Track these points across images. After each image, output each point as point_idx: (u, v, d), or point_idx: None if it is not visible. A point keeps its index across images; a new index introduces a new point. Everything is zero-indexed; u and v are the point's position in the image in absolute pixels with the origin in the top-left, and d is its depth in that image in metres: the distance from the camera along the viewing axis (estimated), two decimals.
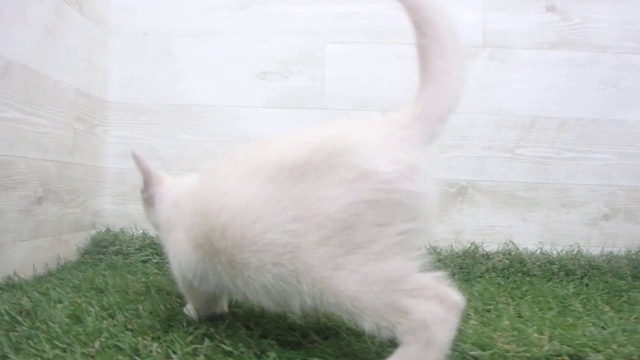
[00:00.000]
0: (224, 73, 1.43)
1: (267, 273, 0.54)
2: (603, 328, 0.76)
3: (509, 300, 0.97)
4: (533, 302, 0.95)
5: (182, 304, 0.83)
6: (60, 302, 0.80)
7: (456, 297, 0.51)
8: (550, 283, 1.15)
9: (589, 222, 1.39)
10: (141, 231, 1.36)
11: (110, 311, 0.76)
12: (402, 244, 0.51)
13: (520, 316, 0.85)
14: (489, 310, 0.88)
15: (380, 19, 1.42)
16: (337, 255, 0.50)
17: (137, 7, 1.43)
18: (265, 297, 0.57)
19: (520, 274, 1.20)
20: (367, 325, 0.50)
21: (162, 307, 0.79)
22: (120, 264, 1.18)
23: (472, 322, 0.78)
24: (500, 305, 0.92)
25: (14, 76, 0.98)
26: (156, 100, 1.43)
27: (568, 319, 0.83)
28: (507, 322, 0.78)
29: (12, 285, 0.91)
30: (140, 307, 0.78)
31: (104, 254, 1.24)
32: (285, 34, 1.43)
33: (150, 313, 0.77)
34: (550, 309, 0.91)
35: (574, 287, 1.10)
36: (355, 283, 0.49)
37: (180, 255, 0.66)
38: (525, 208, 1.40)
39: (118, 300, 0.84)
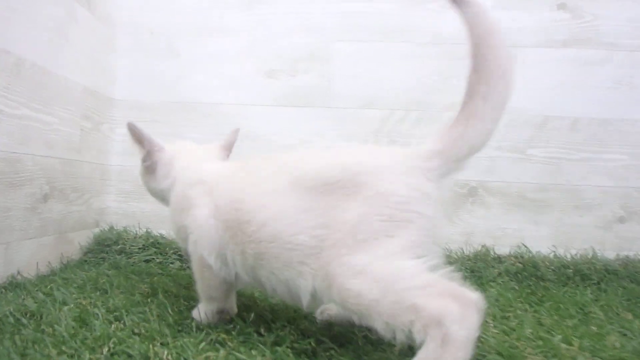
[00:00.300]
0: (231, 71, 1.41)
1: (292, 269, 0.62)
2: (629, 337, 0.74)
3: (527, 306, 0.94)
4: (552, 308, 0.93)
5: (190, 307, 0.81)
6: (65, 303, 0.78)
7: (472, 294, 0.53)
8: (566, 288, 1.12)
9: (603, 225, 1.35)
10: (144, 230, 1.34)
11: (116, 314, 0.74)
12: (408, 251, 0.55)
13: (541, 324, 0.83)
14: (507, 318, 0.85)
15: (388, 17, 1.40)
16: (346, 255, 0.56)
17: (143, 5, 1.42)
18: (282, 289, 0.65)
19: (534, 278, 1.18)
20: (378, 324, 0.52)
21: (170, 310, 0.77)
22: (124, 263, 1.17)
23: (492, 330, 0.76)
24: (519, 312, 0.89)
25: (24, 74, 0.96)
26: (162, 98, 1.41)
27: (592, 327, 0.81)
28: (529, 331, 0.75)
29: (15, 285, 0.89)
30: (148, 310, 0.76)
31: (107, 252, 1.22)
32: (292, 32, 1.41)
33: (158, 316, 0.75)
34: (571, 316, 0.88)
35: (591, 293, 1.08)
36: (361, 282, 0.54)
37: (201, 230, 0.72)
38: (536, 210, 1.37)
39: (124, 302, 0.82)
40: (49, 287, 0.88)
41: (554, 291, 1.09)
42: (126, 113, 1.41)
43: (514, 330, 0.77)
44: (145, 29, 1.42)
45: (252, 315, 0.75)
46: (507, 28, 1.38)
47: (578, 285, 1.15)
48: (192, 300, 0.86)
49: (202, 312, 0.75)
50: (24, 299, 0.79)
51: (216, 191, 0.74)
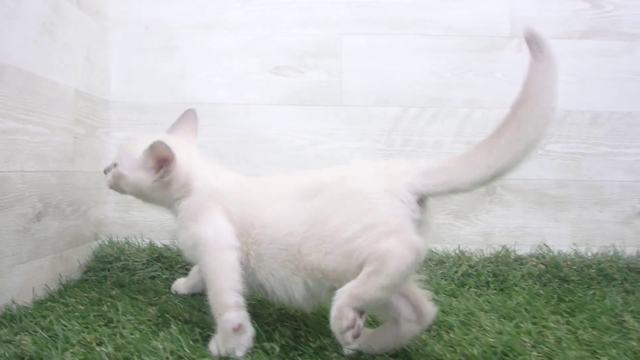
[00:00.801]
0: (234, 68, 1.32)
1: (286, 268, 0.70)
2: None
3: (558, 317, 0.90)
4: (586, 320, 0.89)
5: (206, 336, 0.74)
6: (67, 341, 0.71)
7: (415, 239, 0.61)
8: (592, 291, 1.09)
9: (622, 220, 1.32)
10: (147, 241, 1.26)
11: (126, 353, 0.67)
12: (372, 225, 0.63)
13: (579, 340, 0.78)
14: (542, 333, 0.81)
15: (401, 8, 1.31)
16: (317, 244, 0.66)
17: None
18: (279, 289, 0.71)
19: (557, 280, 1.14)
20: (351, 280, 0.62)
21: (185, 347, 0.70)
22: (127, 281, 1.09)
23: (534, 353, 0.71)
24: (552, 325, 0.85)
25: (8, 82, 0.86)
26: (160, 98, 1.31)
27: (632, 342, 0.77)
28: (573, 353, 0.70)
29: (10, 318, 0.81)
30: (161, 348, 0.69)
31: (108, 270, 1.14)
32: (299, 25, 1.31)
33: (172, 353, 0.68)
34: (607, 328, 0.84)
35: (617, 294, 1.05)
36: (332, 259, 0.65)
37: (214, 228, 0.76)
38: (556, 207, 1.33)
39: (133, 336, 0.74)
40: (48, 319, 0.80)
41: (580, 295, 1.05)
42: (122, 115, 1.31)
43: (556, 352, 0.72)
44: (139, 23, 1.30)
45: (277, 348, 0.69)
46: (525, 18, 1.32)
47: (602, 287, 1.12)
48: (206, 327, 0.79)
49: (219, 341, 0.69)
50: (20, 338, 0.71)
51: (223, 199, 0.79)
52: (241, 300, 0.71)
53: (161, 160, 0.81)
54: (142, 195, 0.87)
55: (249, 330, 0.71)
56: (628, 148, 1.32)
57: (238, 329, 0.69)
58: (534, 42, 0.62)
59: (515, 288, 1.10)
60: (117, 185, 0.87)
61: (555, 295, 1.05)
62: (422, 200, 0.66)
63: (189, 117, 0.96)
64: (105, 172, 0.90)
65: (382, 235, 0.61)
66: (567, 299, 1.02)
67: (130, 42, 1.30)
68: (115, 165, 0.87)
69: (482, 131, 1.33)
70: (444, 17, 1.32)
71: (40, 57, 0.96)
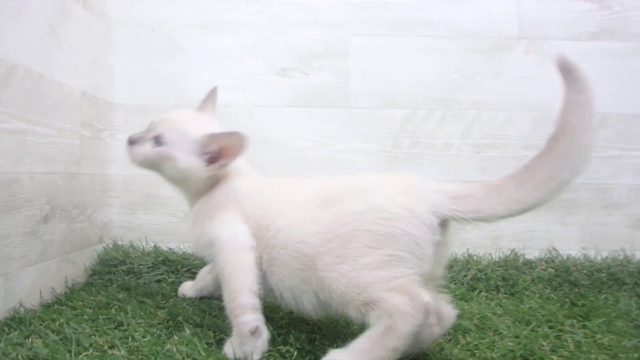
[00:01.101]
0: (239, 69, 1.31)
1: (296, 277, 0.68)
2: None
3: (573, 321, 0.89)
4: (602, 324, 0.88)
5: (219, 339, 0.73)
6: (80, 344, 0.69)
7: (425, 297, 0.60)
8: (604, 295, 1.08)
9: (632, 224, 1.31)
10: (152, 244, 1.25)
11: (140, 356, 0.66)
12: (389, 262, 0.62)
13: (597, 344, 0.77)
14: (560, 337, 0.80)
15: (409, 9, 1.31)
16: (334, 263, 0.64)
17: None
18: (288, 296, 0.70)
19: (567, 284, 1.13)
20: (352, 314, 0.63)
21: (201, 350, 0.68)
22: (134, 284, 1.07)
23: (555, 357, 0.70)
24: (568, 329, 0.84)
25: (17, 82, 0.85)
26: (164, 100, 1.30)
27: None
28: (595, 357, 0.69)
29: (19, 321, 0.80)
30: (175, 350, 0.68)
31: (114, 273, 1.12)
32: (306, 26, 1.31)
33: (187, 356, 0.67)
34: (625, 332, 0.83)
35: (630, 298, 1.04)
36: (343, 284, 0.63)
37: (231, 229, 0.74)
38: (565, 210, 1.31)
39: (145, 339, 0.73)
40: (57, 322, 0.78)
41: (592, 299, 1.05)
42: (127, 117, 1.30)
43: (577, 356, 0.71)
44: (144, 25, 1.30)
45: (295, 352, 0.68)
46: (534, 19, 1.31)
47: (614, 291, 1.10)
48: (219, 331, 0.78)
49: (235, 344, 0.68)
50: (31, 341, 0.70)
51: (247, 198, 0.77)
52: (258, 303, 0.70)
53: (226, 150, 0.76)
54: (177, 180, 0.80)
55: (265, 334, 0.70)
56: (636, 150, 1.31)
57: (255, 332, 0.67)
58: (567, 72, 0.60)
59: (526, 292, 1.09)
60: (153, 164, 0.78)
61: (568, 300, 1.04)
62: (444, 222, 0.64)
63: (213, 96, 0.91)
64: (133, 142, 0.79)
65: (397, 287, 0.60)
66: (579, 303, 1.01)
67: (134, 44, 1.30)
68: (158, 140, 0.77)
69: (489, 133, 1.32)
70: (452, 18, 1.31)
71: (48, 58, 0.96)
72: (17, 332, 0.74)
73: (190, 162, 0.76)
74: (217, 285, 0.98)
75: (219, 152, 0.76)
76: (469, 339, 0.77)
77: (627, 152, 1.31)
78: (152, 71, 1.30)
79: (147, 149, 0.77)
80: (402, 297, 0.59)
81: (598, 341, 0.78)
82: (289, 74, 1.32)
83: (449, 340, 0.77)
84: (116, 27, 1.29)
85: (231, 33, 1.31)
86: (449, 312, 0.70)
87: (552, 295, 1.08)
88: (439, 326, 0.69)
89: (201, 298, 0.99)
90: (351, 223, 0.65)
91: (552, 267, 1.17)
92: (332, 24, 1.31)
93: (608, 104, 1.31)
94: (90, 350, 0.67)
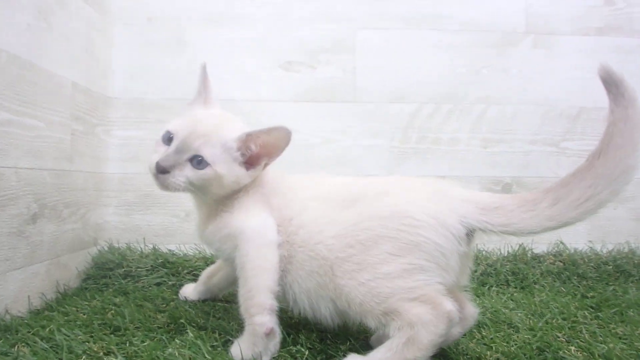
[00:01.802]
0: (244, 63, 1.26)
1: (313, 279, 0.64)
2: None
3: (585, 313, 0.88)
4: (615, 315, 0.88)
5: (222, 341, 0.68)
6: (71, 352, 0.62)
7: (448, 306, 0.57)
8: (612, 287, 1.08)
9: (637, 217, 1.31)
10: (151, 246, 1.18)
11: None
12: (410, 271, 0.59)
13: (616, 335, 0.76)
14: (574, 328, 0.79)
15: (415, 3, 1.28)
16: (353, 270, 0.61)
17: None
18: (303, 300, 0.66)
19: (576, 277, 1.14)
20: (372, 324, 0.60)
21: (205, 353, 0.62)
22: (131, 288, 1.00)
23: (572, 348, 0.69)
24: (581, 320, 0.84)
25: (2, 69, 0.78)
26: (165, 94, 1.24)
27: None
28: (612, 346, 0.68)
29: (5, 328, 0.72)
30: (177, 353, 0.61)
31: (109, 277, 1.05)
32: (312, 20, 1.27)
33: (190, 359, 0.60)
34: (638, 322, 0.83)
35: (637, 290, 1.05)
36: (362, 294, 0.60)
37: (259, 221, 0.69)
38: None
39: (144, 343, 0.66)
40: (48, 328, 0.71)
41: (601, 291, 1.05)
42: (124, 112, 1.24)
43: (594, 345, 0.69)
44: (144, 16, 1.24)
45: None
46: (541, 14, 1.30)
47: (621, 282, 1.12)
48: (224, 332, 0.72)
49: (244, 345, 0.63)
50: (18, 349, 0.62)
51: (271, 187, 0.73)
52: (275, 304, 0.65)
53: (268, 148, 0.70)
54: (214, 193, 0.70)
55: (278, 336, 0.65)
56: None
57: (270, 334, 0.63)
58: (612, 84, 0.56)
59: (535, 286, 1.09)
60: (196, 188, 0.68)
61: (578, 292, 1.05)
62: (470, 232, 0.61)
63: (207, 78, 0.81)
64: (165, 171, 0.66)
65: (419, 296, 0.57)
66: (589, 295, 1.02)
67: (134, 36, 1.24)
68: (200, 162, 0.67)
69: (497, 128, 1.30)
70: (459, 13, 1.29)
71: (36, 45, 0.89)
72: (1, 340, 0.67)
73: (236, 173, 0.69)
74: (223, 288, 0.93)
75: (259, 152, 0.70)
76: (485, 333, 0.76)
77: None
78: (153, 65, 1.24)
79: (188, 174, 0.67)
80: (424, 307, 0.57)
81: (612, 331, 0.78)
82: (296, 68, 1.27)
83: (464, 335, 0.74)
84: (115, 18, 1.23)
85: (236, 26, 1.26)
86: (471, 311, 0.68)
87: (562, 288, 1.08)
88: (461, 325, 0.66)
89: (204, 300, 0.93)
90: (374, 228, 0.61)
91: (560, 261, 1.18)
92: (339, 18, 1.28)
93: None
94: (84, 357, 0.61)
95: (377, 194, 0.65)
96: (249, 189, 0.72)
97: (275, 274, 0.65)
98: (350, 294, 0.60)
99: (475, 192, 0.64)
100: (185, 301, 0.92)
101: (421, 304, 0.57)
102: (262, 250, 0.65)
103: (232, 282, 0.87)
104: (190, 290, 0.95)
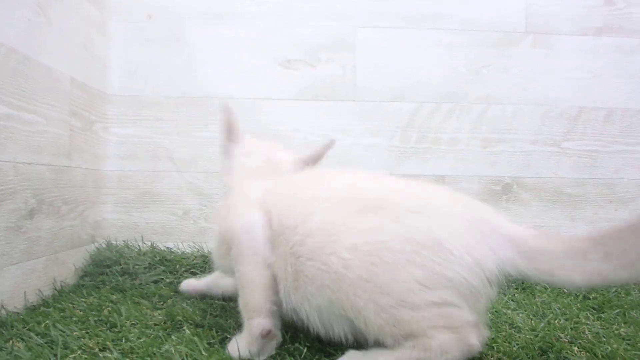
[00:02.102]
0: (243, 61, 1.25)
1: (324, 296, 0.58)
2: None
3: (588, 313, 0.88)
4: (617, 316, 0.87)
5: (223, 339, 0.67)
6: (67, 347, 0.62)
7: (474, 340, 0.54)
8: (614, 289, 1.06)
9: None
10: (149, 244, 1.17)
11: (135, 358, 0.59)
12: (440, 305, 0.54)
13: (619, 336, 0.75)
14: (576, 329, 0.78)
15: (416, 2, 1.28)
16: (374, 292, 0.55)
17: None
18: (315, 318, 0.60)
19: None
20: (389, 343, 0.56)
21: (202, 349, 0.62)
22: (129, 285, 1.00)
23: (575, 348, 0.68)
24: (584, 321, 0.83)
25: (1, 62, 0.78)
26: (164, 92, 1.24)
27: None
28: (615, 346, 0.66)
29: (1, 324, 0.72)
30: (173, 350, 0.61)
31: (107, 274, 1.04)
32: (312, 17, 1.26)
33: (187, 356, 0.60)
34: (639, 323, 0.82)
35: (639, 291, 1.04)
36: (383, 319, 0.55)
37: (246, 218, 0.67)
38: (573, 205, 1.30)
39: (140, 340, 0.66)
40: (43, 324, 0.71)
41: (603, 292, 1.03)
42: (122, 110, 1.23)
43: (597, 346, 0.68)
44: (143, 12, 1.24)
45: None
46: (541, 14, 1.30)
47: (623, 284, 1.08)
48: (221, 330, 0.71)
49: (241, 343, 0.62)
50: (12, 344, 0.62)
51: (269, 191, 0.69)
52: (274, 308, 0.64)
53: None
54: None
55: (277, 338, 0.64)
56: None
57: (267, 335, 0.62)
58: None
59: (537, 287, 1.09)
60: None
61: (580, 293, 1.04)
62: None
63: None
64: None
65: (446, 325, 0.53)
66: (591, 296, 1.01)
67: (133, 32, 1.23)
68: None
69: (497, 127, 1.30)
70: (459, 12, 1.29)
71: (34, 39, 0.89)
72: None
73: None
74: (227, 292, 0.90)
75: None
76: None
77: (632, 147, 1.31)
78: (152, 61, 1.23)
79: None
80: (449, 335, 0.53)
81: (615, 331, 0.78)
82: (295, 66, 1.27)
83: None
84: (113, 14, 1.22)
85: (235, 23, 1.25)
86: (484, 334, 0.61)
87: (564, 289, 1.07)
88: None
89: (203, 298, 0.92)
90: (404, 252, 0.55)
91: None
92: (340, 16, 1.27)
93: (614, 98, 1.31)
94: (79, 352, 0.60)
95: (407, 211, 0.58)
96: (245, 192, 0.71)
97: (269, 278, 0.63)
98: (368, 316, 0.55)
99: (518, 226, 0.57)
100: (183, 299, 0.92)
101: (446, 330, 0.53)
102: (255, 250, 0.64)
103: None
104: (193, 281, 0.94)
